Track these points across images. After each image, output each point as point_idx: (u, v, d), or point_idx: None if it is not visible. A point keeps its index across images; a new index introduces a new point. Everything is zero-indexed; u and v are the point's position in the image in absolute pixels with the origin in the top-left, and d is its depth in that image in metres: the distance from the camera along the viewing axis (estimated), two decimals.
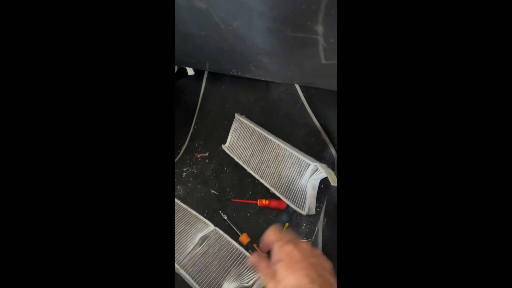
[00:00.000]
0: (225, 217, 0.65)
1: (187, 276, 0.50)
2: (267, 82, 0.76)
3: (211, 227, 0.59)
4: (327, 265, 0.31)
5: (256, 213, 0.64)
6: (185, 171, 0.78)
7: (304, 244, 0.33)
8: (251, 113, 0.74)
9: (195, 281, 0.49)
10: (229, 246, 0.51)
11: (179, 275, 0.53)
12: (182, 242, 0.57)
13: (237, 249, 0.48)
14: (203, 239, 0.56)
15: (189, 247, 0.55)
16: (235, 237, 0.57)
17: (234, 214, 0.66)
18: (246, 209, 0.65)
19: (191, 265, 0.52)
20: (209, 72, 0.86)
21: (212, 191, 0.71)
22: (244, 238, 0.60)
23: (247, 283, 0.45)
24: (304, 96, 0.70)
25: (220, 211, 0.66)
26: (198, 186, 0.73)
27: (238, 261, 0.48)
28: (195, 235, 0.57)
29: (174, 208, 0.64)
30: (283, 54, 0.36)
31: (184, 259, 0.54)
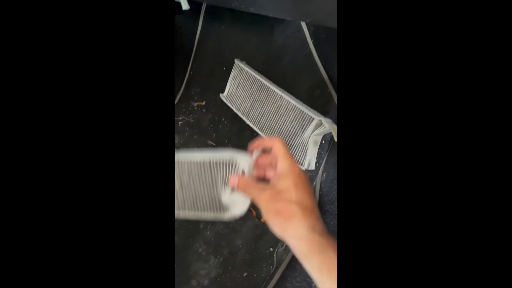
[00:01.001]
0: None
1: (186, 213, 0.45)
2: (271, 24, 0.68)
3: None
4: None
5: None
6: (181, 120, 0.74)
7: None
8: (253, 59, 0.68)
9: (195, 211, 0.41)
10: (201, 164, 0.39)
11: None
12: None
13: (210, 162, 0.37)
14: None
15: None
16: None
17: None
18: None
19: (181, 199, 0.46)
20: (206, 11, 0.76)
21: (209, 142, 0.68)
22: None
23: None
24: (313, 42, 0.63)
25: None
26: (195, 136, 0.70)
27: (216, 174, 0.38)
28: None
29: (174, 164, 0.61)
30: None
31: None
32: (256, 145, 0.32)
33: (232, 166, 0.35)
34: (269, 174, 0.33)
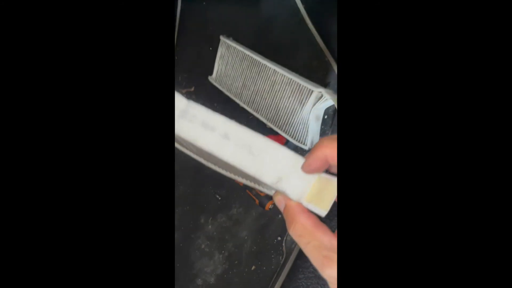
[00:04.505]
0: None
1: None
2: None
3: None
4: None
5: None
6: None
7: None
8: (240, 34, 0.62)
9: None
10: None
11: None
12: None
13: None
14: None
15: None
16: None
17: None
18: None
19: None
20: None
21: None
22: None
23: None
24: (304, 8, 0.56)
25: None
26: None
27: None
28: None
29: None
30: None
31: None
32: (314, 166, 0.19)
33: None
34: None
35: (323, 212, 0.19)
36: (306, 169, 0.20)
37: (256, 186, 0.24)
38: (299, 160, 0.20)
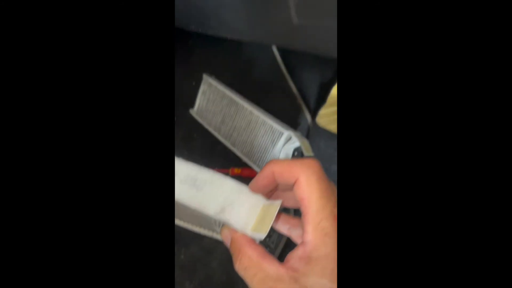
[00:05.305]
0: None
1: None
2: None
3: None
4: None
5: None
6: None
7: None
8: (221, 74, 0.67)
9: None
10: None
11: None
12: None
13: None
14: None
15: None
16: None
17: None
18: None
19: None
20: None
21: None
22: None
23: None
24: (281, 56, 0.63)
25: None
26: None
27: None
28: None
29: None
30: (249, 10, 0.29)
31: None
32: (261, 183, 0.19)
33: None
34: (293, 234, 0.21)
35: (262, 236, 0.18)
36: (254, 186, 0.20)
37: (199, 230, 0.23)
38: (243, 189, 0.20)
